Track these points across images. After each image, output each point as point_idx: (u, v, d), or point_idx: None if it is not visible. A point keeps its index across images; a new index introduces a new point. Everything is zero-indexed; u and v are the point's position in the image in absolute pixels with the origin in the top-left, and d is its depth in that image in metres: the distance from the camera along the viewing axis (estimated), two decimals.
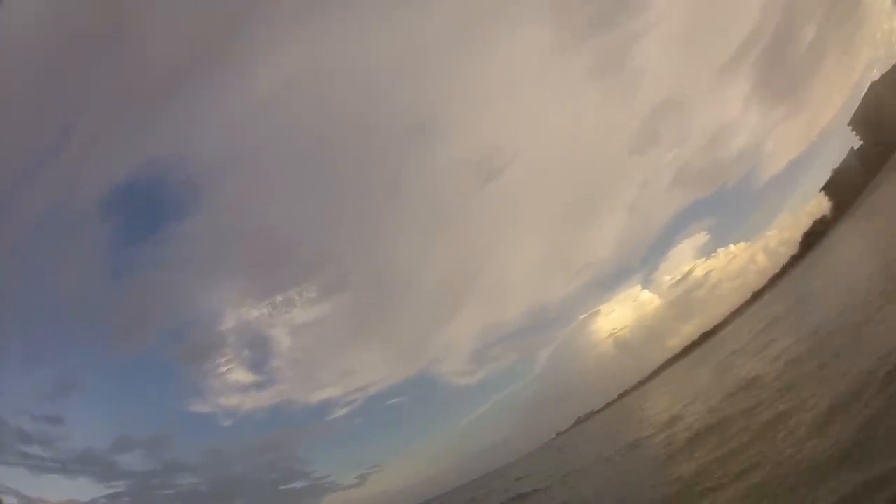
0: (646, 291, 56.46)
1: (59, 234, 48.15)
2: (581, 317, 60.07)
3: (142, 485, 50.75)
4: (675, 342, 53.07)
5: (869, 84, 36.54)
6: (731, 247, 49.82)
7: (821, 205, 37.77)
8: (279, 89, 49.16)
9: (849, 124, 36.38)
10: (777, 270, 38.44)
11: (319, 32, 48.06)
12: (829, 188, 37.34)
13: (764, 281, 39.28)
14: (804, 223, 38.92)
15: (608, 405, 63.54)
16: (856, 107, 36.70)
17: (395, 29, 50.34)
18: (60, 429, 47.77)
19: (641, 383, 57.47)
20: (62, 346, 51.77)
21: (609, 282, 63.20)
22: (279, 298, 55.24)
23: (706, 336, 45.11)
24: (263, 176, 55.22)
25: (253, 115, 49.79)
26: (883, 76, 36.18)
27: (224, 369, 53.92)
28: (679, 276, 52.64)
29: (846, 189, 34.21)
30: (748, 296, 41.24)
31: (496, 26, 50.87)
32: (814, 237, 35.87)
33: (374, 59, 49.90)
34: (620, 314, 57.70)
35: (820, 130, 42.66)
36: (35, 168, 44.49)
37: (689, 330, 51.51)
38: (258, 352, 56.46)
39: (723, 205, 51.85)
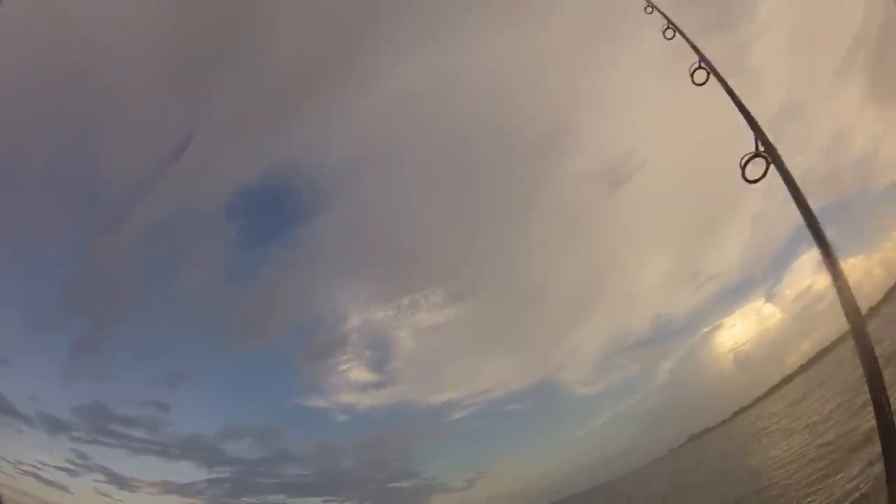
0: (769, 305, 55.24)
1: (182, 235, 49.13)
2: (704, 329, 58.63)
3: (246, 472, 49.43)
4: (794, 359, 51.81)
5: None
6: (850, 260, 48.41)
7: None
8: (408, 96, 49.36)
9: None
10: (893, 283, 38.14)
11: (448, 42, 48.03)
12: None
13: (881, 294, 39.00)
14: None
15: (723, 422, 61.59)
16: None
17: (521, 38, 48.35)
18: (167, 414, 47.18)
19: (758, 400, 56.82)
20: (178, 341, 51.63)
21: (733, 294, 59.93)
22: (405, 301, 54.48)
23: (823, 353, 44.96)
24: (392, 180, 54.51)
25: (382, 120, 50.02)
26: None
27: (344, 367, 53.24)
28: (800, 290, 51.53)
29: None
30: (865, 310, 40.76)
31: (616, 32, 51.28)
32: None
33: (503, 69, 48.90)
34: (743, 328, 56.13)
35: None
36: (158, 171, 46.41)
37: (807, 347, 50.37)
38: (380, 352, 55.30)
39: (841, 215, 49.82)
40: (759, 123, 3.95)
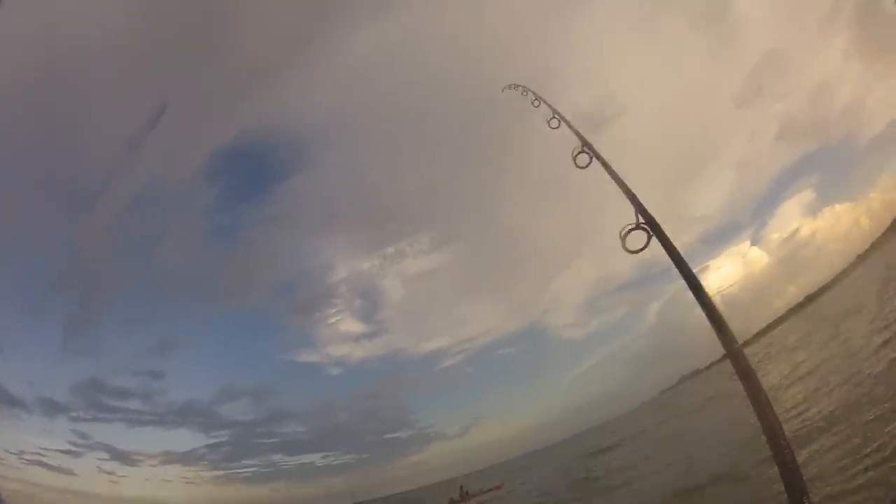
0: (755, 248, 56.62)
1: (164, 201, 49.83)
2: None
3: (245, 433, 50.15)
4: (781, 303, 53.51)
5: None
6: (837, 206, 49.46)
7: None
8: (384, 50, 49.14)
9: None
10: (880, 234, 39.22)
11: None
12: None
13: (867, 245, 40.17)
14: None
15: (713, 364, 62.21)
16: None
17: None
18: (161, 383, 48.29)
19: (747, 343, 58.58)
20: (166, 306, 52.61)
21: (718, 237, 61.81)
22: (390, 250, 55.71)
23: (810, 298, 46.42)
24: (371, 133, 54.90)
25: (357, 76, 50.20)
26: None
27: (334, 320, 54.83)
28: (786, 234, 52.76)
29: None
30: (853, 259, 42.22)
31: None
32: None
33: (480, 17, 49.16)
34: (729, 271, 57.77)
35: None
36: (133, 145, 46.74)
37: (794, 291, 51.98)
38: (369, 302, 57.60)
39: (828, 162, 50.56)
40: (640, 195, 4.42)
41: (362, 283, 56.68)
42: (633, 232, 4.39)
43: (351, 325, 55.75)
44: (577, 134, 4.67)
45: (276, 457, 51.34)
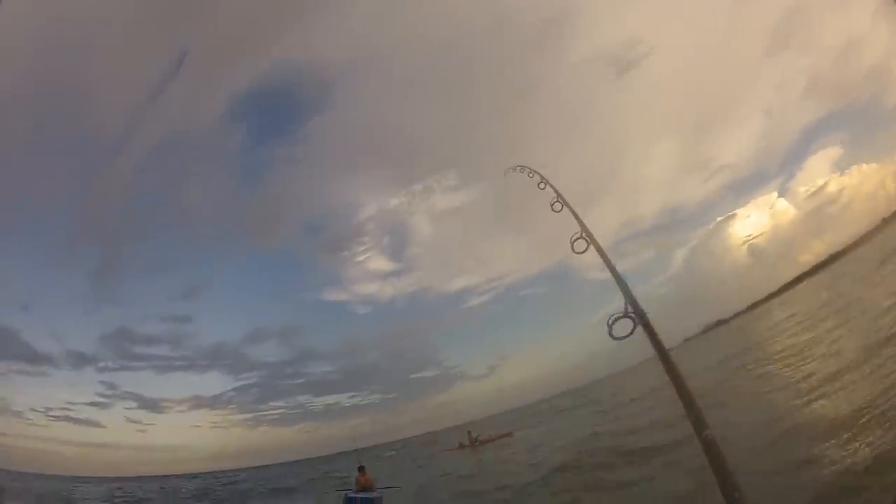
0: (782, 200, 54.81)
1: (188, 146, 49.00)
2: (718, 219, 58.72)
3: (273, 375, 50.09)
4: (807, 258, 52.26)
5: None
6: (864, 166, 47.10)
7: None
8: None
9: None
10: None
11: None
12: None
13: (893, 208, 38.51)
14: None
15: (737, 315, 62.66)
16: None
17: None
18: (189, 327, 49.95)
19: (771, 296, 57.28)
20: (193, 251, 54.06)
21: (746, 185, 60.52)
22: (418, 187, 55.62)
23: (835, 257, 45.34)
24: (398, 71, 52.92)
25: (380, 13, 47.84)
26: None
27: (362, 258, 54.63)
28: (814, 189, 50.90)
29: None
30: (878, 221, 40.62)
31: None
32: None
33: None
34: (756, 220, 56.36)
35: None
36: (154, 94, 46.64)
37: (820, 247, 50.74)
38: (397, 240, 58.45)
39: (857, 120, 47.69)
40: None
41: (390, 220, 56.35)
42: (620, 320, 4.50)
43: (379, 263, 55.44)
44: (578, 220, 4.61)
45: (304, 398, 52.58)
